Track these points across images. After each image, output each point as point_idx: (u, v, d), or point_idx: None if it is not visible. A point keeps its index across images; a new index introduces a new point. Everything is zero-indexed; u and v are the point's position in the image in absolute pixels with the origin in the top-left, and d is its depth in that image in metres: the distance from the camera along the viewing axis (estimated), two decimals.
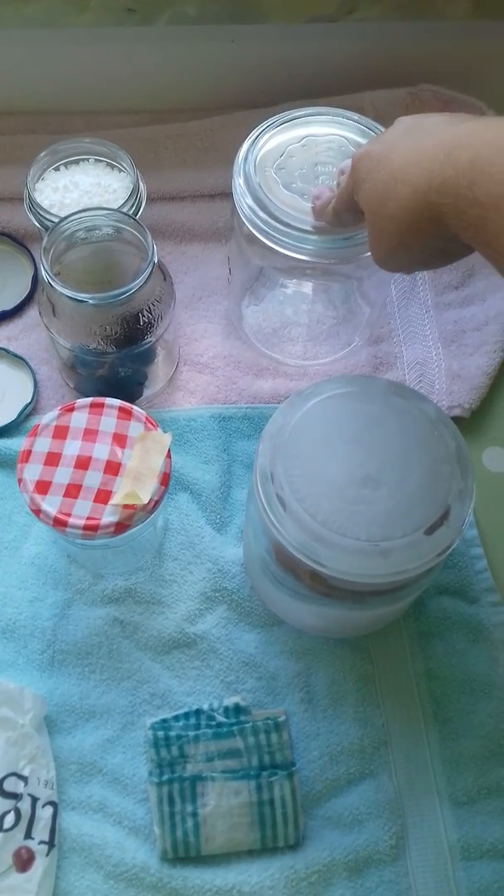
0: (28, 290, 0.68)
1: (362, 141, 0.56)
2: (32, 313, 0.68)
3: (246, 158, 0.55)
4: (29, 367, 0.64)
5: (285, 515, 0.44)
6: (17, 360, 0.65)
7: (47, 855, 0.48)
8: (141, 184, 0.61)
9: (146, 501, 0.48)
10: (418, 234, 0.39)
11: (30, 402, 0.63)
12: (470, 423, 0.63)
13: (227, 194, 0.71)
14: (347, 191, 0.46)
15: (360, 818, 0.50)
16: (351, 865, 0.48)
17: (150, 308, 0.55)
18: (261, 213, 0.53)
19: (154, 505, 0.49)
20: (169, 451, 0.50)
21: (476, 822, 0.50)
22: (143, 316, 0.55)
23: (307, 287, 0.66)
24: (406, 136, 0.41)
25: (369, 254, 0.53)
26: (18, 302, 0.68)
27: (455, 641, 0.55)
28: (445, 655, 0.54)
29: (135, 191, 0.60)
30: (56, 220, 0.55)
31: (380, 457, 0.44)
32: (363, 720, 0.52)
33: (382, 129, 0.56)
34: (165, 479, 0.50)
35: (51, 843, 0.48)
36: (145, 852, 0.48)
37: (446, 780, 0.51)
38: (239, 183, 0.54)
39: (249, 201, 0.54)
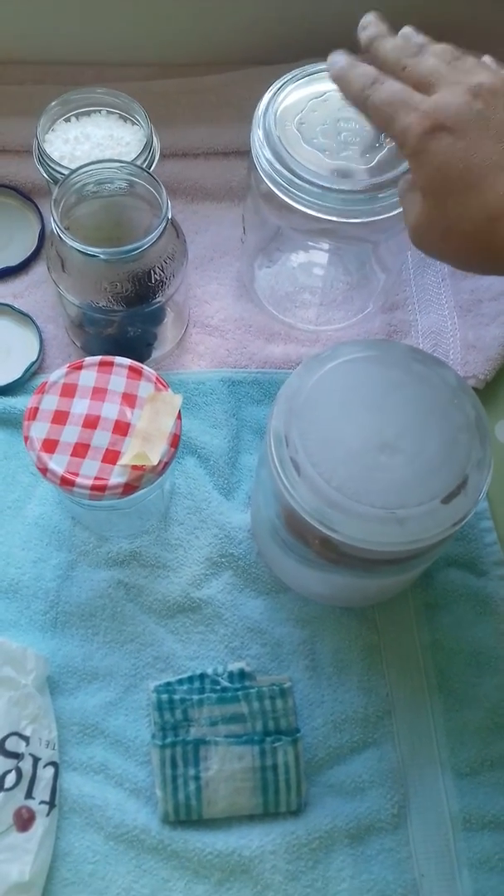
0: (35, 245, 0.67)
1: None
2: (39, 270, 0.66)
3: (266, 111, 0.53)
4: (35, 324, 0.63)
5: (299, 480, 0.43)
6: (23, 317, 0.63)
7: (48, 815, 0.48)
8: (154, 138, 0.59)
9: (155, 463, 0.47)
10: (484, 252, 0.38)
11: (35, 361, 0.61)
12: (484, 394, 0.62)
13: (241, 152, 0.69)
14: (401, 138, 0.41)
15: (362, 786, 0.49)
16: (352, 833, 0.48)
17: (161, 266, 0.54)
18: (280, 168, 0.52)
19: (163, 466, 0.48)
20: (179, 412, 0.49)
21: (478, 794, 0.50)
22: (154, 273, 0.54)
23: (322, 250, 0.64)
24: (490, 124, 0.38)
25: (389, 215, 0.52)
26: (25, 258, 0.66)
27: (462, 614, 0.54)
28: (452, 627, 0.54)
29: (148, 144, 0.58)
30: (66, 172, 0.53)
31: (398, 423, 0.43)
32: (368, 689, 0.52)
33: None
34: (175, 441, 0.49)
35: (51, 804, 0.48)
36: (146, 814, 0.48)
37: (449, 751, 0.51)
38: (258, 136, 0.53)
39: (268, 154, 0.52)
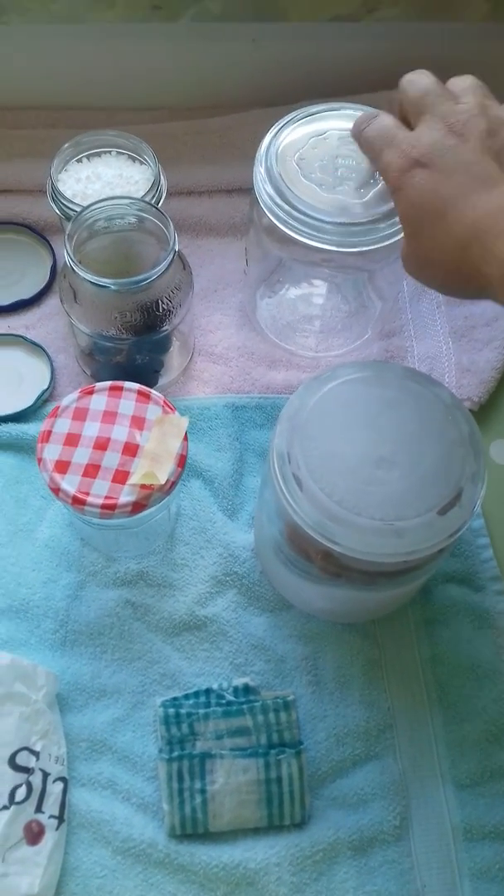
0: (46, 279, 0.69)
1: None
2: (50, 303, 0.69)
3: (268, 149, 0.56)
4: (46, 354, 0.65)
5: (301, 495, 0.45)
6: (35, 347, 0.66)
7: (57, 829, 0.48)
8: (162, 176, 0.62)
9: (163, 482, 0.49)
10: (457, 277, 0.40)
11: (47, 389, 0.64)
12: (478, 416, 0.64)
13: (244, 190, 0.72)
14: (383, 169, 0.44)
15: (364, 799, 0.50)
16: (355, 845, 0.49)
17: (169, 296, 0.56)
18: (280, 203, 0.54)
19: (171, 485, 0.50)
20: (186, 434, 0.51)
21: (479, 805, 0.50)
22: (161, 303, 0.56)
23: (321, 280, 0.67)
24: (457, 159, 0.40)
25: (383, 245, 0.55)
26: (37, 291, 0.69)
27: (460, 628, 0.56)
28: (451, 642, 0.55)
29: (156, 182, 0.61)
30: (79, 209, 0.56)
31: (394, 439, 0.45)
32: (369, 703, 0.53)
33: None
34: (182, 461, 0.50)
35: (61, 818, 0.49)
36: (153, 829, 0.49)
37: (450, 763, 0.52)
38: (260, 172, 0.56)
39: (270, 190, 0.55)
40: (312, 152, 0.56)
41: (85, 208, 0.55)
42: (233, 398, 0.64)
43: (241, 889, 0.47)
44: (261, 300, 0.68)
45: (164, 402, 0.52)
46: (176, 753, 0.49)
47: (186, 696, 0.51)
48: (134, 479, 0.49)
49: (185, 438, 0.51)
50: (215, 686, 0.52)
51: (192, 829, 0.49)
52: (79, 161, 0.63)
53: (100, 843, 0.49)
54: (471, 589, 0.57)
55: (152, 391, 0.52)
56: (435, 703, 0.53)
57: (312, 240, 0.54)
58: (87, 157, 0.63)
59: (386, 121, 0.44)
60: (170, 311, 0.57)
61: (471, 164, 0.40)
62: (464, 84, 0.44)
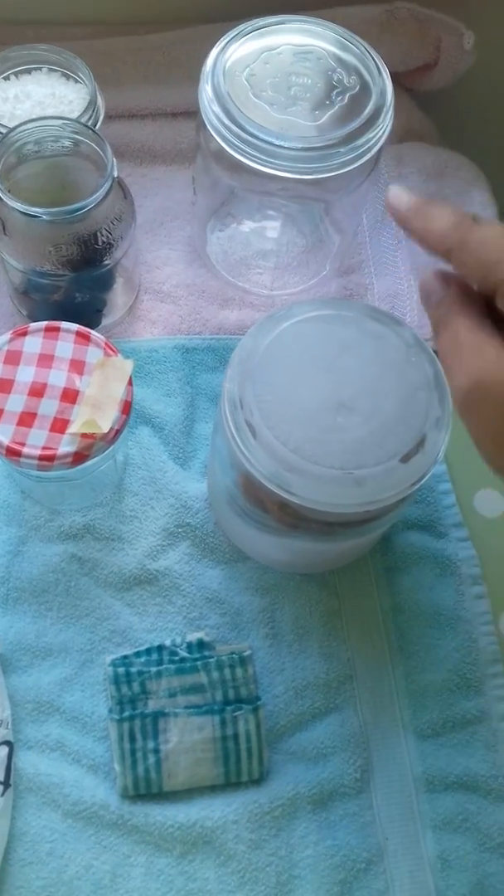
0: None
1: (342, 55, 0.52)
2: None
3: (215, 64, 0.52)
4: None
5: (255, 443, 0.42)
6: None
7: (2, 795, 0.46)
8: (99, 96, 0.57)
9: (106, 430, 0.45)
10: None
11: None
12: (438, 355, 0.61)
13: (190, 112, 0.67)
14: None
15: (324, 752, 0.49)
16: (315, 799, 0.48)
17: (108, 228, 0.52)
18: (229, 124, 0.50)
19: (115, 434, 0.46)
20: (130, 378, 0.48)
21: (440, 755, 0.49)
22: (101, 236, 0.52)
23: (276, 212, 0.63)
24: None
25: (340, 173, 0.51)
26: None
27: (422, 576, 0.54)
28: (412, 590, 0.54)
29: (92, 102, 0.56)
30: (4, 130, 0.51)
31: (354, 383, 0.42)
32: (329, 655, 0.51)
33: (361, 42, 0.53)
34: (127, 408, 0.47)
35: (6, 783, 0.47)
36: (105, 790, 0.47)
37: (411, 714, 0.50)
38: (206, 91, 0.51)
39: (217, 110, 0.50)
40: (264, 68, 0.52)
41: (11, 130, 0.50)
42: (183, 339, 0.60)
43: (198, 848, 0.46)
44: (211, 234, 0.64)
45: (106, 343, 0.48)
46: (127, 713, 0.47)
47: (137, 654, 0.49)
48: (74, 427, 0.45)
49: (130, 383, 0.48)
50: (168, 642, 0.50)
51: (145, 790, 0.47)
52: (6, 79, 0.57)
53: (49, 806, 0.47)
54: (433, 536, 0.55)
55: (92, 332, 0.48)
56: (396, 653, 0.52)
57: (265, 166, 0.50)
58: (16, 74, 0.58)
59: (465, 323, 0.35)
60: (110, 244, 0.52)
61: None
62: None
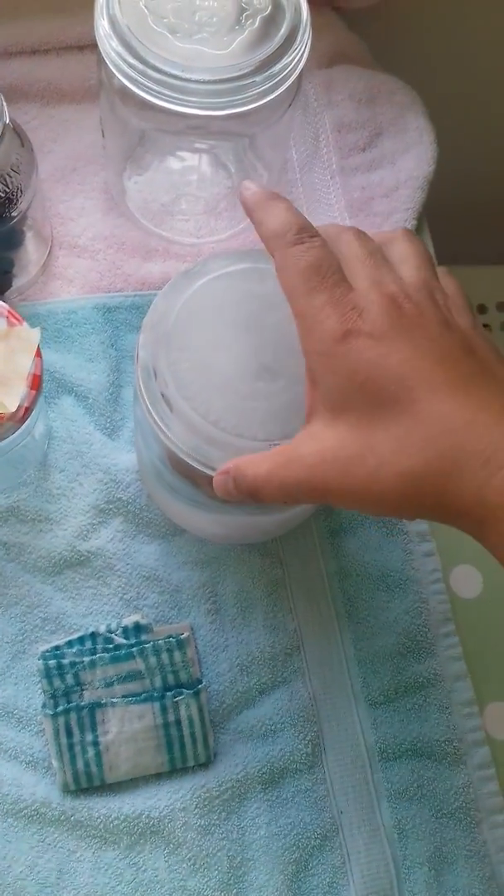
0: None
1: None
2: None
3: None
4: None
5: (172, 416, 0.38)
6: None
7: None
8: None
9: (14, 409, 0.42)
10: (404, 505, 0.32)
11: None
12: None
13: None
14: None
15: (273, 728, 0.47)
16: (265, 778, 0.46)
17: (5, 180, 0.47)
18: (131, 60, 0.45)
19: (25, 412, 0.42)
20: (39, 349, 0.43)
21: (393, 722, 0.48)
22: None
23: (196, 152, 0.58)
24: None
25: (259, 104, 0.46)
26: None
27: (368, 537, 0.52)
28: (359, 552, 0.51)
29: None
30: None
31: (276, 344, 0.39)
32: (274, 627, 0.49)
33: None
34: (36, 382, 0.43)
35: None
36: (45, 786, 0.45)
37: (362, 682, 0.49)
38: (103, 25, 0.46)
39: (116, 46, 0.45)
40: None
41: None
42: (103, 298, 0.56)
43: (146, 838, 0.44)
44: (128, 180, 0.59)
45: (10, 311, 0.44)
46: (61, 707, 0.45)
47: (70, 644, 0.46)
48: None
49: (39, 354, 0.44)
50: (102, 628, 0.47)
51: (87, 784, 0.45)
52: None
53: None
54: None
55: None
56: (344, 619, 0.50)
57: (172, 103, 0.45)
58: None
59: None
60: (10, 198, 0.48)
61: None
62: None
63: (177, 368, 0.38)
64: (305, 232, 0.34)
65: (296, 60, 0.46)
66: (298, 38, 0.46)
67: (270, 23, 0.46)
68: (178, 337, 0.39)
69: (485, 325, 0.93)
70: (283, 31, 0.46)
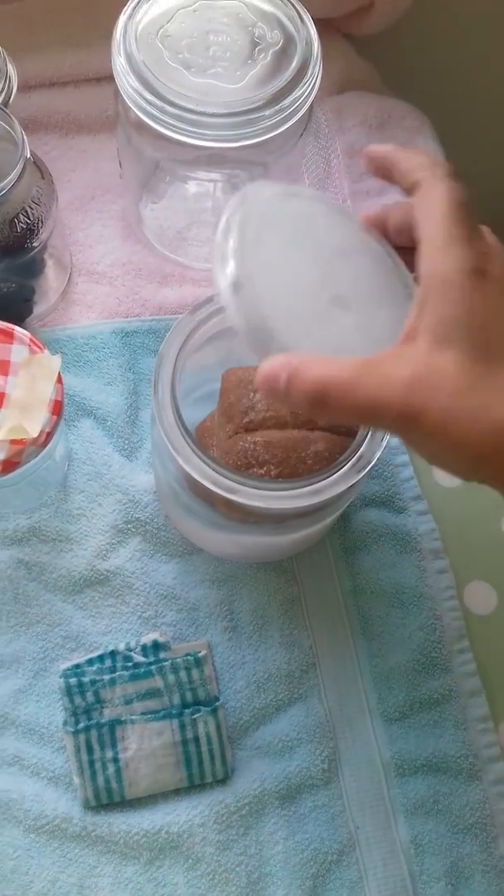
0: None
1: (262, 6, 0.49)
2: None
3: (125, 30, 0.48)
4: None
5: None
6: None
7: None
8: (10, 66, 0.53)
9: (35, 434, 0.43)
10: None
11: None
12: None
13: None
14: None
15: (290, 744, 0.48)
16: (283, 793, 0.47)
17: (26, 211, 0.48)
18: (148, 95, 0.46)
19: (46, 437, 0.44)
20: (60, 375, 0.45)
21: (409, 738, 0.48)
22: (19, 221, 0.48)
23: (211, 180, 0.59)
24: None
25: (273, 135, 0.48)
26: None
27: (382, 554, 0.52)
28: (373, 569, 0.52)
29: (1, 73, 0.52)
30: None
31: (345, 274, 0.37)
32: (290, 644, 0.50)
33: None
34: (57, 408, 0.44)
35: None
36: (67, 802, 0.46)
37: (377, 698, 0.49)
38: (119, 61, 0.47)
39: (133, 82, 0.47)
40: (179, 28, 0.48)
41: None
42: (121, 323, 0.57)
43: (165, 853, 0.45)
44: (144, 208, 0.60)
45: (31, 339, 0.46)
46: (82, 725, 0.46)
47: (90, 662, 0.47)
48: (0, 434, 0.43)
49: (60, 380, 0.45)
50: (122, 646, 0.48)
51: (107, 800, 0.46)
52: None
53: (10, 823, 0.45)
54: (392, 511, 0.54)
55: (15, 328, 0.45)
56: (359, 636, 0.51)
57: (187, 136, 0.47)
58: None
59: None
60: (31, 227, 0.49)
61: None
62: None
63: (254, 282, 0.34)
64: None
65: (306, 93, 0.48)
66: (309, 72, 0.48)
67: (282, 56, 0.48)
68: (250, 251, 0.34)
69: None
70: (295, 64, 0.48)
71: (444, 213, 0.32)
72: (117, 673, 0.46)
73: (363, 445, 0.40)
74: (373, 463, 0.40)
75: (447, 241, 0.32)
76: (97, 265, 0.59)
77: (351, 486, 0.40)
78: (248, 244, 0.34)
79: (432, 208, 0.33)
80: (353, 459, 0.40)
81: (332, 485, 0.40)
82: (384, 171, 0.37)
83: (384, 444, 0.40)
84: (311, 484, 0.40)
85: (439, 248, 0.32)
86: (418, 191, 0.34)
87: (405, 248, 0.36)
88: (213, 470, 0.40)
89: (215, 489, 0.39)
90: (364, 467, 0.40)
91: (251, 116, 0.47)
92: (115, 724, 0.46)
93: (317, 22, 0.49)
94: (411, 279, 0.37)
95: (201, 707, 0.46)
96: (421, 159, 0.35)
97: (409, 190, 0.35)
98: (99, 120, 0.63)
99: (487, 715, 0.49)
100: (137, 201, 0.60)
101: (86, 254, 0.60)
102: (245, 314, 0.33)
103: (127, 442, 0.54)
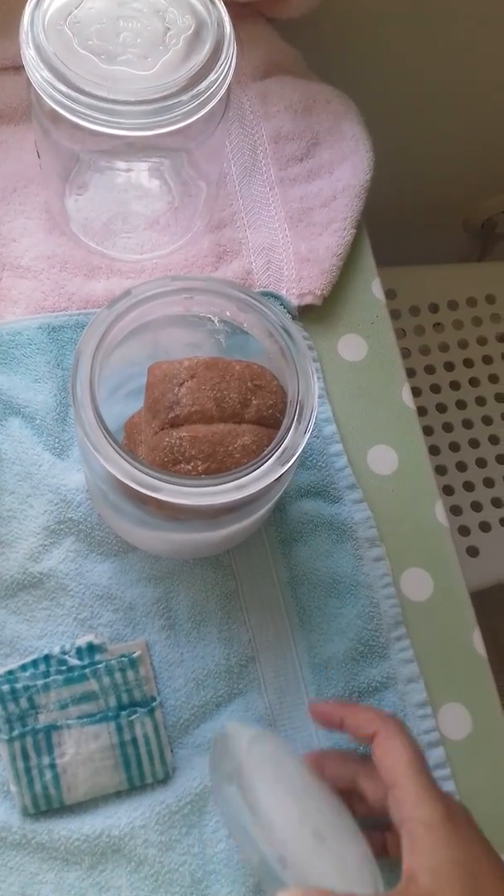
0: None
1: None
2: None
3: (33, 20, 0.46)
4: None
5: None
6: None
7: None
8: None
9: None
10: None
11: None
12: (323, 311, 0.58)
13: None
14: None
15: None
16: None
17: None
18: (60, 86, 0.45)
19: None
20: None
21: None
22: None
23: (134, 169, 0.58)
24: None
25: (191, 121, 0.47)
26: None
27: (319, 544, 0.52)
28: (310, 559, 0.52)
29: None
30: None
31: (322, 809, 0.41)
32: (228, 639, 0.50)
33: None
34: None
35: None
36: (5, 811, 0.45)
37: (316, 689, 0.49)
38: (29, 53, 0.46)
39: (45, 74, 0.45)
40: (88, 14, 0.47)
41: None
42: (48, 318, 0.56)
43: (108, 857, 0.45)
44: (68, 199, 0.59)
45: None
46: (17, 732, 0.45)
47: (23, 667, 0.46)
48: None
49: None
50: (56, 650, 0.47)
51: (46, 806, 0.45)
52: None
53: None
54: (327, 501, 0.53)
55: None
56: (297, 628, 0.50)
57: (100, 125, 0.45)
58: None
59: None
60: None
61: None
62: None
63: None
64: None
65: (222, 76, 0.47)
66: (223, 55, 0.47)
67: (195, 40, 0.47)
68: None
69: (437, 324, 0.94)
70: (208, 48, 0.47)
71: (407, 764, 0.39)
72: (51, 678, 0.46)
73: (287, 438, 0.40)
74: (297, 455, 0.40)
75: (419, 793, 0.38)
76: (21, 259, 0.58)
77: (277, 478, 0.40)
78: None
79: (396, 761, 0.39)
80: (278, 452, 0.40)
81: (258, 479, 0.39)
82: (334, 724, 0.44)
83: (307, 436, 0.40)
84: (236, 479, 0.39)
85: (414, 800, 0.38)
86: (377, 740, 0.41)
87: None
88: (136, 468, 0.39)
89: (138, 488, 0.39)
90: (288, 460, 0.40)
91: (168, 103, 0.46)
92: (50, 729, 0.45)
93: (239, 6, 0.49)
94: (352, 819, 0.42)
95: (138, 708, 0.46)
96: (369, 714, 0.42)
97: (365, 738, 0.41)
98: (19, 109, 0.61)
99: (426, 700, 0.50)
100: (60, 193, 0.58)
101: (9, 247, 0.58)
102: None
103: (57, 440, 0.53)
